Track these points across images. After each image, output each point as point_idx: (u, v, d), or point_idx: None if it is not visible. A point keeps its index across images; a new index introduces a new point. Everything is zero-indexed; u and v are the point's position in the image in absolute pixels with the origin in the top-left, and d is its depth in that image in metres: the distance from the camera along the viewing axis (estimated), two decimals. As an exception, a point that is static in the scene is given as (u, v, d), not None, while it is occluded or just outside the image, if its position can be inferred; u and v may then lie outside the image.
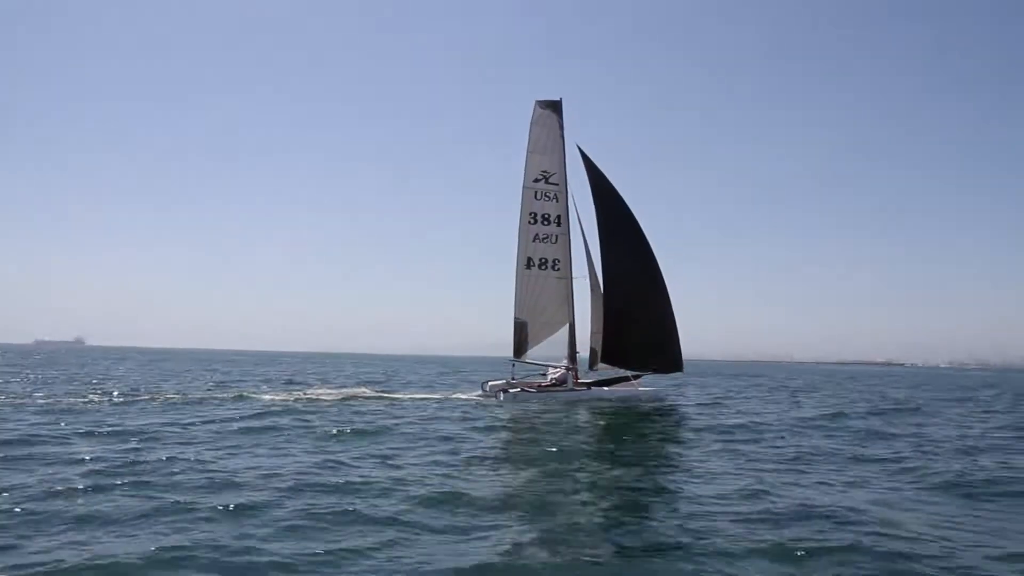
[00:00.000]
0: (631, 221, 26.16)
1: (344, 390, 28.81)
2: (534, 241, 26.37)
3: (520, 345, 26.54)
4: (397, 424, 16.89)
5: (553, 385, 26.16)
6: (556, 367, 26.77)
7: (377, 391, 29.07)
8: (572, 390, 25.68)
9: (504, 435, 16.10)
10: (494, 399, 25.25)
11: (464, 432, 15.89)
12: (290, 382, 36.63)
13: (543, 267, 26.37)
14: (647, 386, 27.02)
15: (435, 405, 23.19)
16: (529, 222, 26.36)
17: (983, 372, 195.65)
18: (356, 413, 19.65)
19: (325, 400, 23.63)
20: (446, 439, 14.50)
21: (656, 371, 27.11)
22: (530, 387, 25.74)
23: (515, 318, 26.52)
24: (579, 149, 26.50)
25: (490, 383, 27.29)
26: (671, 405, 25.58)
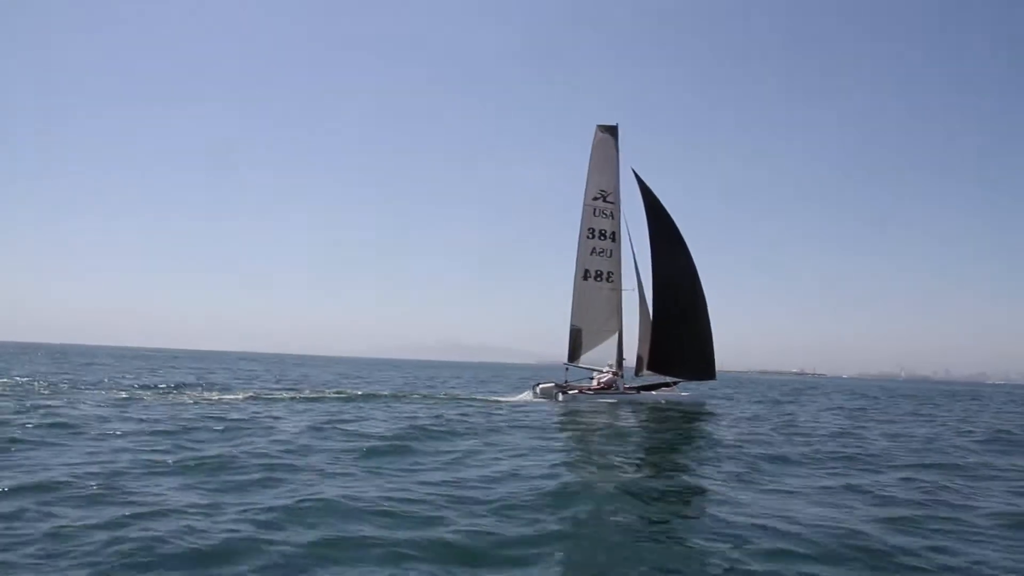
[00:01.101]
0: (679, 238, 28.49)
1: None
2: (591, 254, 28.40)
3: (575, 350, 28.54)
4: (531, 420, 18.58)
5: (603, 388, 28.22)
6: (603, 371, 28.86)
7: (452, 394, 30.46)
8: (623, 393, 27.81)
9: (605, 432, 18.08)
10: (553, 400, 27.08)
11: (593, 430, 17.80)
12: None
13: (598, 279, 28.43)
14: (684, 391, 29.44)
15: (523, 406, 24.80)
16: (587, 236, 28.39)
17: (877, 382, 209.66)
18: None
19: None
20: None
21: (693, 378, 29.46)
22: (587, 390, 27.74)
23: (571, 325, 28.50)
24: (633, 171, 28.71)
25: (540, 386, 29.14)
26: (716, 406, 28.01)
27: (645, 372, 28.80)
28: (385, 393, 28.81)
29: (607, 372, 28.71)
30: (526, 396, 28.96)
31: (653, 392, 28.45)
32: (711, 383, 31.02)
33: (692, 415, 24.01)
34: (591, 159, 28.50)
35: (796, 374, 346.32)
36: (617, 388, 27.99)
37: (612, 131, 28.81)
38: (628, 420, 21.12)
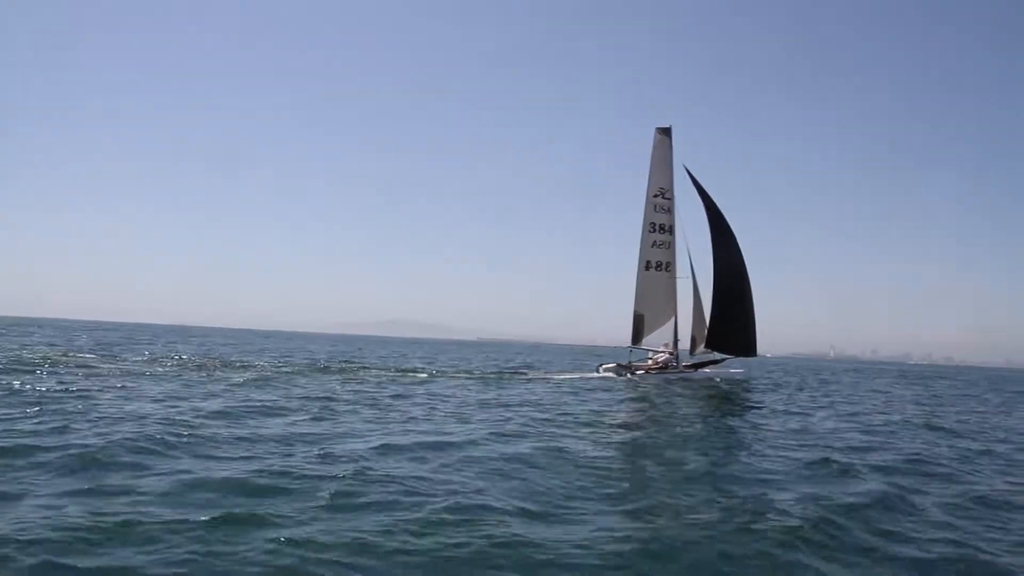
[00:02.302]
0: (730, 230, 31.59)
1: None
2: (652, 247, 31.28)
3: (638, 333, 31.43)
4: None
5: (661, 367, 31.18)
6: (660, 351, 31.82)
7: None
8: (683, 372, 30.86)
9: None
10: (623, 378, 29.86)
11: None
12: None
13: (658, 269, 31.35)
14: (733, 367, 32.77)
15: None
16: (649, 231, 31.25)
17: (808, 360, 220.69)
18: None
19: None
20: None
21: (740, 355, 32.72)
22: (651, 369, 30.64)
23: (635, 311, 31.37)
24: (686, 169, 31.63)
25: (604, 366, 31.95)
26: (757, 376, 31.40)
27: (699, 350, 31.91)
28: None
29: (663, 352, 31.72)
30: (598, 375, 31.66)
31: (707, 369, 31.64)
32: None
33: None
34: (652, 159, 31.32)
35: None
36: (675, 367, 31.02)
37: (667, 132, 31.66)
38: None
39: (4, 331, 57.68)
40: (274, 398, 16.04)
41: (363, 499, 7.09)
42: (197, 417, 12.04)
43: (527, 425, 13.11)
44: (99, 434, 9.75)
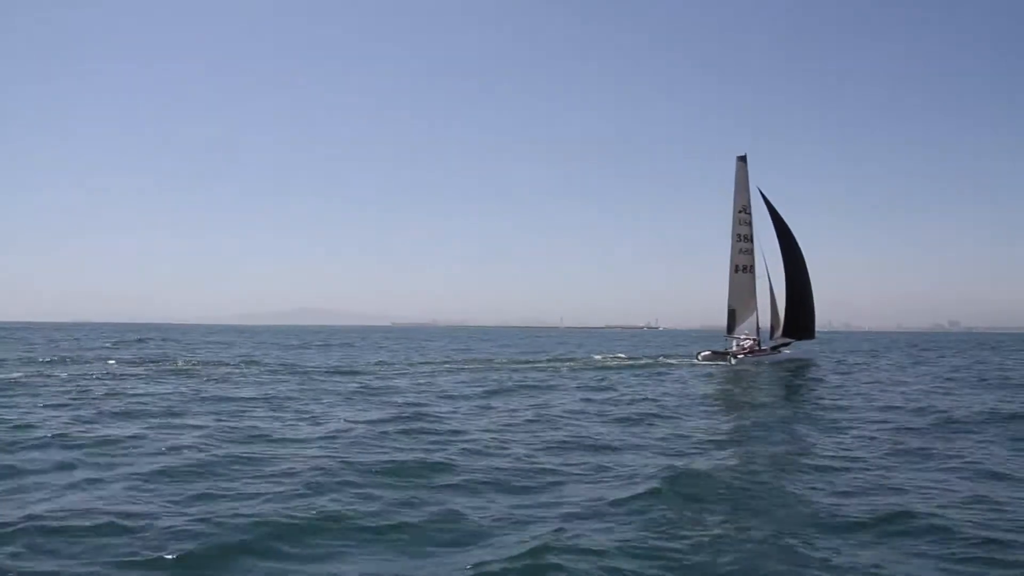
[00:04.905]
0: (795, 240, 38.87)
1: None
2: (739, 253, 38.21)
3: (732, 325, 38.36)
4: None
5: (749, 352, 38.15)
6: (745, 338, 38.82)
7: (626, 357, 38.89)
8: (769, 354, 37.97)
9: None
10: (725, 363, 36.60)
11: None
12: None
13: (744, 271, 38.31)
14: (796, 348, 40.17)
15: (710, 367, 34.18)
16: (736, 240, 38.15)
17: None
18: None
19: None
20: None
21: (805, 338, 40.12)
22: (744, 353, 37.53)
23: (728, 307, 38.26)
24: (759, 190, 38.70)
25: (702, 354, 38.68)
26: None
27: (777, 335, 39.11)
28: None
29: (748, 339, 38.76)
30: (698, 361, 38.23)
31: (786, 350, 38.94)
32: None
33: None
34: (735, 182, 38.26)
35: (639, 328, 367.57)
36: (763, 351, 38.12)
37: (744, 160, 38.62)
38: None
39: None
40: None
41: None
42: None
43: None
44: None
